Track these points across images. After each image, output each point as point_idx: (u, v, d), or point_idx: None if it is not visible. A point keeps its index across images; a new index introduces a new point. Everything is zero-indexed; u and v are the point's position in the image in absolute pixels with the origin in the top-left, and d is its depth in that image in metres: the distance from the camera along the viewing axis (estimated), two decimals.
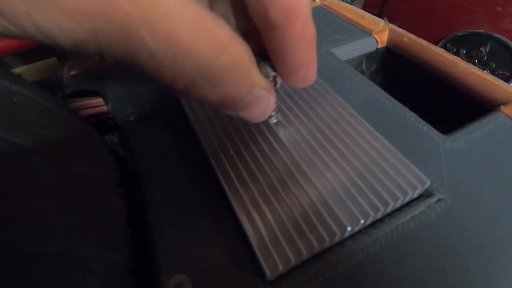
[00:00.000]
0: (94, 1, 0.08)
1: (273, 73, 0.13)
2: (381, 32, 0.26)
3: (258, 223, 0.14)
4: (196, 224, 0.14)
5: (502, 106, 0.18)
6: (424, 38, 0.68)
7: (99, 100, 0.28)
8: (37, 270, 0.10)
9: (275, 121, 0.17)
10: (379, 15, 0.69)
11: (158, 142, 0.18)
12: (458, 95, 0.21)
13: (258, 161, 0.16)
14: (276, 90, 0.14)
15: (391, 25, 0.26)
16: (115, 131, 0.27)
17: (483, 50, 0.56)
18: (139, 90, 0.22)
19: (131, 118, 0.20)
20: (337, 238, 0.13)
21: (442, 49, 0.23)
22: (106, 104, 0.24)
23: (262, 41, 0.12)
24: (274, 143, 0.16)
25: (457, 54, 0.57)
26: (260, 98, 0.12)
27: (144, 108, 0.21)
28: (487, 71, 0.57)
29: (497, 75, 0.54)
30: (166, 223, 0.14)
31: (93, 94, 0.26)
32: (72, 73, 0.24)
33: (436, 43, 0.60)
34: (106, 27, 0.08)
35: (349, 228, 0.13)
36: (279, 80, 0.14)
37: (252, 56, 0.11)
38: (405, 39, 0.25)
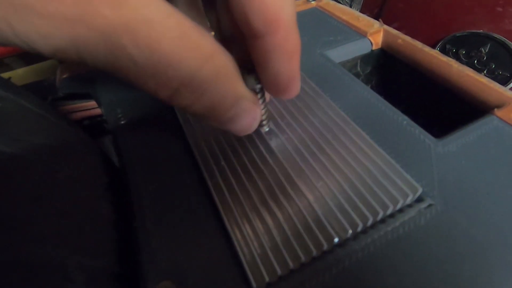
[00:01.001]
0: (74, 7, 0.08)
1: (259, 85, 0.13)
2: (376, 33, 0.25)
3: (246, 233, 0.13)
4: (183, 231, 0.14)
5: (496, 109, 0.18)
6: (423, 38, 0.68)
7: (93, 103, 0.28)
8: (17, 280, 0.10)
9: (267, 129, 0.17)
10: (378, 15, 0.69)
11: (148, 147, 0.18)
12: (452, 98, 0.21)
13: (249, 172, 0.16)
14: (264, 101, 0.14)
15: (386, 26, 0.26)
16: (110, 133, 0.27)
17: (482, 50, 0.56)
18: (131, 94, 0.22)
19: (122, 122, 0.20)
20: (325, 249, 0.13)
21: (437, 50, 0.23)
22: (99, 106, 0.24)
23: (247, 50, 0.12)
24: (265, 153, 0.16)
25: (456, 54, 0.57)
26: (245, 111, 0.12)
27: (135, 112, 0.21)
28: (486, 71, 0.56)
29: (497, 76, 0.54)
30: (152, 228, 0.14)
31: (87, 96, 0.25)
32: (64, 76, 0.24)
33: (435, 43, 0.59)
34: (87, 34, 0.08)
35: (336, 239, 0.13)
36: (261, 93, 0.14)
37: (237, 67, 0.11)
38: (399, 40, 0.24)
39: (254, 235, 0.14)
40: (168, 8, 0.09)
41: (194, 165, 0.17)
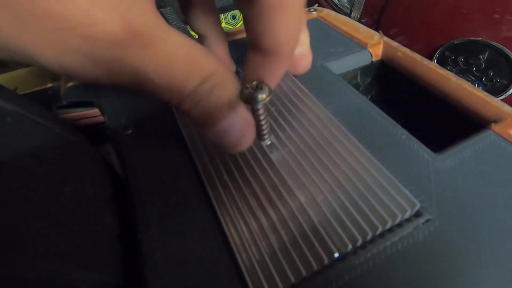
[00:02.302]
0: (115, 49, 0.10)
1: (261, 97, 0.13)
2: (376, 45, 0.26)
3: (248, 247, 0.14)
4: (186, 245, 0.14)
5: (493, 124, 0.19)
6: (423, 45, 0.68)
7: (96, 110, 0.28)
8: None
9: (268, 143, 0.17)
10: (378, 20, 0.70)
11: (151, 158, 0.18)
12: (450, 111, 0.22)
13: (250, 185, 0.16)
14: (266, 116, 0.15)
15: (386, 38, 0.26)
16: (112, 141, 0.27)
17: (481, 58, 0.56)
18: (136, 103, 0.22)
19: (126, 132, 0.20)
20: (325, 263, 0.13)
21: (436, 64, 0.23)
22: (103, 115, 0.24)
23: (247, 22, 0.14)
24: (266, 166, 0.16)
25: (455, 61, 0.57)
26: (235, 125, 0.13)
27: (139, 122, 0.21)
28: (485, 79, 0.57)
29: (495, 83, 0.54)
30: (156, 242, 0.14)
31: (90, 105, 0.26)
32: (69, 84, 0.25)
33: (435, 50, 0.60)
34: (121, 69, 0.11)
35: (336, 254, 0.13)
36: (262, 108, 0.15)
37: (235, 85, 0.13)
38: (399, 53, 0.25)
39: (255, 247, 0.14)
40: (176, 32, 0.11)
41: (197, 178, 0.17)
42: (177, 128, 0.20)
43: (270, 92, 0.14)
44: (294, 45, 0.14)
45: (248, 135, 0.14)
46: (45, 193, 0.12)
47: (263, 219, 0.15)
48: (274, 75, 0.15)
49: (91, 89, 0.24)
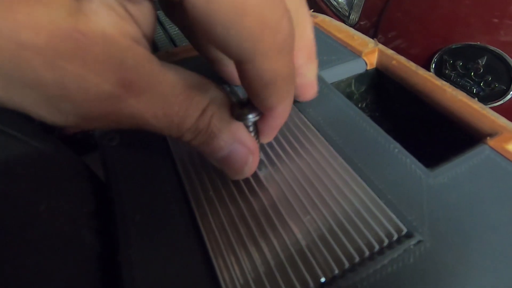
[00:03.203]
0: (110, 105, 0.10)
1: (251, 117, 0.13)
2: (371, 53, 0.25)
3: (232, 270, 0.13)
4: (168, 267, 0.14)
5: (488, 138, 0.18)
6: (421, 48, 0.68)
7: None
8: None
9: None
10: (377, 23, 0.69)
11: (136, 173, 0.18)
12: (444, 122, 0.21)
13: (237, 203, 0.15)
14: (256, 133, 0.15)
15: (380, 46, 0.26)
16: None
17: (479, 62, 0.56)
18: None
19: (111, 143, 0.20)
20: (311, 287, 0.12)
21: (431, 73, 0.23)
22: None
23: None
24: (254, 184, 0.16)
25: (453, 66, 0.57)
26: (236, 153, 0.13)
27: (125, 133, 0.20)
28: (483, 84, 0.57)
29: (493, 88, 0.54)
30: (136, 263, 0.14)
31: None
32: None
33: (433, 54, 0.59)
34: (118, 119, 0.11)
35: (322, 279, 0.12)
36: (252, 126, 0.15)
37: (227, 112, 0.13)
38: (394, 62, 0.24)
39: (239, 269, 0.13)
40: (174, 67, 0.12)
41: (183, 193, 0.17)
42: (165, 142, 0.19)
43: (261, 111, 0.13)
44: (289, 106, 0.14)
45: (251, 163, 0.14)
46: (18, 216, 0.12)
47: (249, 240, 0.14)
48: (269, 127, 0.15)
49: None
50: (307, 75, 0.18)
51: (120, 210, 0.16)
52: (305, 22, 0.15)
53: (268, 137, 0.16)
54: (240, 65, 0.11)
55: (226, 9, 0.09)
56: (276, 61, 0.11)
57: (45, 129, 0.25)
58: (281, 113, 0.14)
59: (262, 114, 0.14)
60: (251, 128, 0.15)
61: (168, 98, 0.11)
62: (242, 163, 0.14)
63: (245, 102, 0.13)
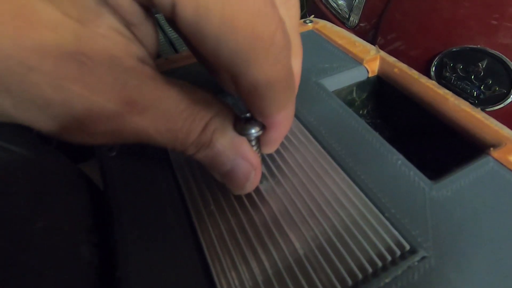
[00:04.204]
0: (114, 122, 0.10)
1: (254, 132, 0.13)
2: (372, 61, 0.25)
3: (232, 281, 0.13)
4: (167, 280, 0.14)
5: (492, 149, 0.18)
6: (421, 51, 0.67)
7: None
8: None
9: None
10: (377, 26, 0.69)
11: (135, 185, 0.17)
12: (447, 132, 0.21)
13: (238, 215, 0.15)
14: (258, 147, 0.15)
15: (382, 53, 0.26)
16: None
17: (480, 65, 0.56)
18: None
19: (110, 154, 0.19)
20: None
21: (434, 82, 0.23)
22: None
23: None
24: (255, 196, 0.16)
25: (453, 69, 0.57)
26: (238, 169, 0.13)
27: (126, 144, 0.20)
28: (483, 87, 0.56)
29: (494, 92, 0.54)
30: (135, 280, 0.13)
31: None
32: None
33: (433, 57, 0.59)
34: (122, 136, 0.11)
35: None
36: (255, 140, 0.15)
37: (230, 126, 0.13)
38: (395, 69, 0.24)
39: (239, 283, 0.13)
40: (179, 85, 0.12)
41: (183, 205, 0.16)
42: (165, 152, 0.19)
43: (264, 125, 0.13)
44: (290, 115, 0.14)
45: (253, 178, 0.14)
46: (13, 234, 0.12)
47: (248, 253, 0.14)
48: (271, 138, 0.14)
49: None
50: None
51: (119, 224, 0.16)
52: (296, 53, 0.15)
53: (270, 148, 0.16)
54: (233, 77, 0.11)
55: (215, 23, 0.09)
56: (271, 72, 0.10)
57: (43, 139, 0.25)
58: (282, 123, 0.13)
59: (264, 128, 0.14)
60: (253, 143, 0.15)
61: (171, 114, 0.11)
62: (244, 179, 0.14)
63: (249, 117, 0.13)
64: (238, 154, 0.13)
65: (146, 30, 0.12)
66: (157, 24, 0.12)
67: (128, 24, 0.11)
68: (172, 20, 0.09)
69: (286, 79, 0.11)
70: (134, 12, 0.11)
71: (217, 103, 0.13)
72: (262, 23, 0.09)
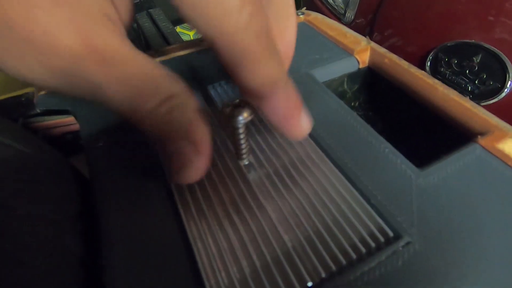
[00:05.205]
0: (73, 63, 0.10)
1: (241, 119, 0.13)
2: (363, 52, 0.25)
3: (218, 272, 0.13)
4: (153, 273, 0.13)
5: (479, 137, 0.18)
6: (417, 46, 0.67)
7: (72, 118, 0.27)
8: None
9: (246, 163, 0.17)
10: (373, 21, 0.69)
11: (122, 174, 0.17)
12: (436, 121, 0.21)
13: (225, 205, 0.15)
14: (246, 135, 0.15)
15: (373, 44, 0.26)
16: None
17: (474, 60, 0.56)
18: (111, 115, 0.21)
19: (96, 144, 0.19)
20: None
21: (423, 72, 0.23)
22: (78, 123, 0.23)
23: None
24: (243, 187, 0.16)
25: (448, 64, 0.57)
26: (180, 152, 0.13)
27: (114, 135, 0.20)
28: (478, 81, 0.56)
29: (488, 86, 0.54)
30: (120, 269, 0.13)
31: (65, 113, 0.25)
32: (42, 92, 0.24)
33: (429, 52, 0.59)
34: (79, 83, 0.11)
35: (309, 284, 0.12)
36: (243, 127, 0.14)
37: (195, 110, 0.13)
38: (386, 60, 0.24)
39: (226, 274, 0.13)
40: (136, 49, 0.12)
41: (169, 195, 0.16)
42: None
43: (252, 112, 0.13)
44: (282, 90, 0.13)
45: (196, 164, 0.13)
46: None
47: (235, 242, 0.14)
48: (274, 117, 0.14)
49: (66, 97, 0.23)
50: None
51: (103, 213, 0.15)
52: (287, 22, 0.15)
53: (288, 130, 0.15)
54: (212, 45, 0.11)
55: None
56: (243, 39, 0.11)
57: (28, 130, 0.25)
58: (271, 96, 0.13)
59: (253, 114, 0.13)
60: (242, 135, 0.15)
61: (132, 75, 0.11)
62: (185, 163, 0.13)
63: (237, 103, 0.13)
64: (188, 137, 0.12)
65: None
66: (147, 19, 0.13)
67: None
68: None
69: (263, 46, 0.12)
70: None
71: (182, 85, 0.12)
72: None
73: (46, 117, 0.26)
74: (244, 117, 0.13)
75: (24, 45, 0.10)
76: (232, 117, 0.13)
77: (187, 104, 0.12)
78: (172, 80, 0.12)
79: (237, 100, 0.13)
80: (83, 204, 0.17)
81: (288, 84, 0.13)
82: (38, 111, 0.24)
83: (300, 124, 0.15)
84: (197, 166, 0.13)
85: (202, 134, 0.13)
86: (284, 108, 0.14)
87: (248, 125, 0.15)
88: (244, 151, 0.16)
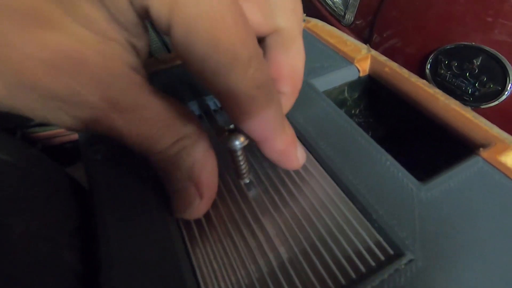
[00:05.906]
0: (93, 113, 0.12)
1: (238, 144, 0.13)
2: (363, 60, 0.25)
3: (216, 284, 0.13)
4: (150, 285, 0.13)
5: (481, 149, 0.18)
6: (417, 48, 0.67)
7: None
8: None
9: (247, 181, 0.17)
10: (372, 23, 0.69)
11: (121, 186, 0.17)
12: (437, 131, 0.21)
13: (224, 222, 0.15)
14: (245, 156, 0.15)
15: (373, 52, 0.26)
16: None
17: (474, 62, 0.56)
18: None
19: (95, 156, 0.19)
20: None
21: (424, 81, 0.22)
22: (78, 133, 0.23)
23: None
24: (242, 203, 0.16)
25: (448, 66, 0.57)
26: (184, 191, 0.14)
27: (113, 145, 0.20)
28: (478, 84, 0.56)
29: (488, 89, 0.54)
30: (118, 284, 0.13)
31: None
32: None
33: (428, 54, 0.59)
34: (96, 127, 0.12)
35: None
36: (241, 150, 0.15)
37: (204, 149, 0.13)
38: (386, 69, 0.24)
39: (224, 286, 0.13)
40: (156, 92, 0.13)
41: (170, 209, 0.16)
42: None
43: (248, 136, 0.13)
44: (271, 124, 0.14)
45: (196, 206, 0.14)
46: None
47: (234, 260, 0.14)
48: (266, 150, 0.14)
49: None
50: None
51: (103, 226, 0.15)
52: (297, 54, 0.16)
53: (281, 161, 0.15)
54: (215, 95, 0.12)
55: (202, 42, 0.10)
56: (247, 92, 0.12)
57: (27, 140, 0.24)
58: (260, 130, 0.13)
59: (248, 140, 0.14)
60: (240, 157, 0.15)
61: (147, 121, 0.12)
62: (186, 202, 0.14)
63: (232, 129, 0.13)
64: (191, 179, 0.13)
65: (139, 33, 0.13)
66: (149, 28, 0.13)
67: (129, 37, 0.12)
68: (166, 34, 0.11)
69: (263, 97, 0.12)
70: (132, 20, 0.12)
71: (193, 124, 0.13)
72: (241, 48, 0.11)
73: (45, 127, 0.26)
74: (241, 141, 0.13)
75: (48, 101, 0.11)
76: (229, 143, 0.13)
77: (195, 145, 0.13)
78: (185, 121, 0.13)
79: (232, 126, 0.14)
80: (82, 218, 0.17)
81: (286, 126, 0.14)
82: (36, 122, 0.24)
83: (296, 158, 0.15)
84: (198, 208, 0.14)
85: (207, 176, 0.13)
86: (282, 148, 0.14)
87: (245, 148, 0.15)
88: (244, 171, 0.16)
